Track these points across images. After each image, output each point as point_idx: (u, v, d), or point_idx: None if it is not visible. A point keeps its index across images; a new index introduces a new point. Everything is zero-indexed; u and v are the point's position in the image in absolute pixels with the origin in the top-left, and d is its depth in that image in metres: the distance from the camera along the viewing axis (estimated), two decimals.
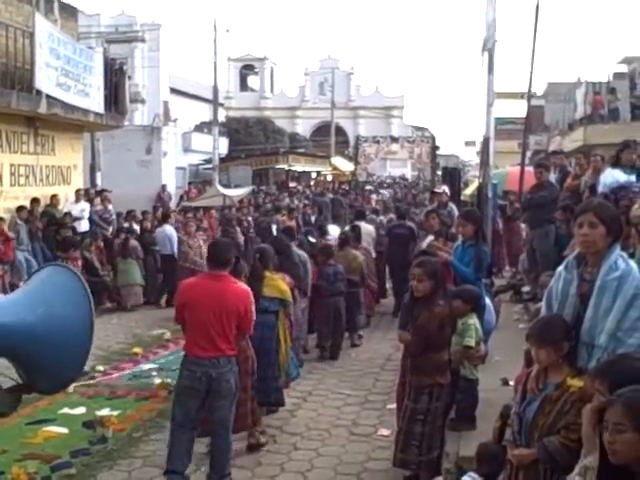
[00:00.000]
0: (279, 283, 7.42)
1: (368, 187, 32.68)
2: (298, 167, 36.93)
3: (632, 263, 4.12)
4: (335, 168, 42.94)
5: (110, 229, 17.13)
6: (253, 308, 6.05)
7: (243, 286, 6.12)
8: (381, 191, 34.76)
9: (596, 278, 3.99)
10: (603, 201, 4.74)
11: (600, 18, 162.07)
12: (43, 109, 14.67)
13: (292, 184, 35.10)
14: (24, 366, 4.41)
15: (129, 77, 21.97)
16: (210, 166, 29.29)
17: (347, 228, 13.18)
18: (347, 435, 7.27)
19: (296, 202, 25.17)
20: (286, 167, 35.17)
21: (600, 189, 9.45)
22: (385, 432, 7.21)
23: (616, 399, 2.97)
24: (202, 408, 5.82)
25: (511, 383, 7.03)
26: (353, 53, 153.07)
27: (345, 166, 43.25)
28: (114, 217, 17.86)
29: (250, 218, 20.25)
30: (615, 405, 2.93)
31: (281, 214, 20.06)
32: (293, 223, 18.70)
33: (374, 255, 13.17)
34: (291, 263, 8.82)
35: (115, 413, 7.79)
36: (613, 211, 4.24)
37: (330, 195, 29.16)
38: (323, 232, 12.69)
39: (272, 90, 61.97)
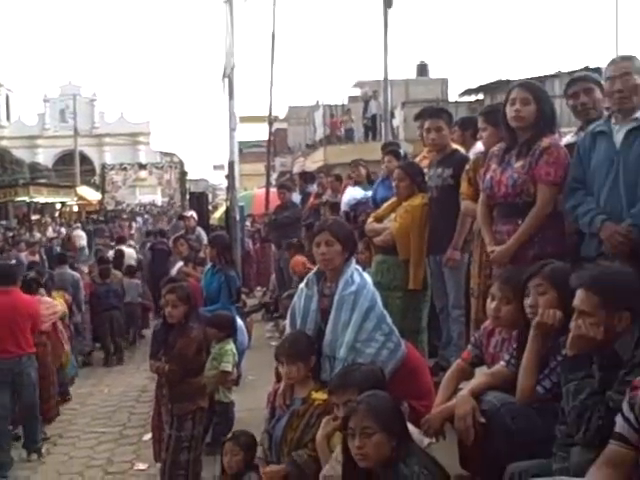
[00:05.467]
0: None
1: (125, 216, 32.58)
2: (41, 199, 35.10)
3: (366, 276, 4.33)
4: (81, 198, 41.39)
5: None
6: (44, 312, 7.96)
7: (30, 297, 7.81)
8: (137, 219, 34.54)
9: (335, 293, 4.14)
10: (338, 219, 4.95)
11: (336, 44, 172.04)
12: None
13: (35, 217, 33.34)
14: None
15: None
16: None
17: (111, 253, 15.11)
18: (102, 475, 6.96)
19: (38, 235, 24.10)
20: (27, 199, 33.31)
21: (342, 207, 9.91)
22: (142, 466, 6.99)
23: (358, 405, 3.07)
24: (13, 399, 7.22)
25: None
26: (95, 79, 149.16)
27: (92, 195, 41.88)
28: None
29: None
30: (359, 411, 3.03)
31: (19, 249, 19.00)
32: (36, 257, 17.99)
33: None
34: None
35: None
36: (347, 228, 4.44)
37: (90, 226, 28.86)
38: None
39: (8, 118, 58.70)
